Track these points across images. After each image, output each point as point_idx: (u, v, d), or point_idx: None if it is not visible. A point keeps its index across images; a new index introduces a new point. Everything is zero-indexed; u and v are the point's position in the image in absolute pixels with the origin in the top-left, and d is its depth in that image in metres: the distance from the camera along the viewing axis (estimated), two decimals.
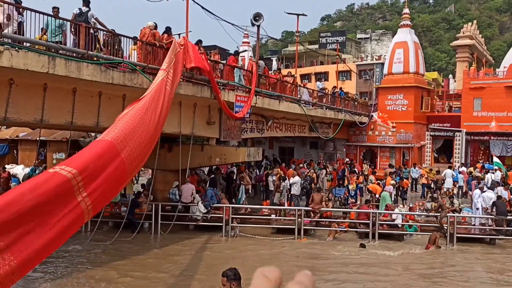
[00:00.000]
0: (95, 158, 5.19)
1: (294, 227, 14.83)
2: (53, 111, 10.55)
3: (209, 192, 15.81)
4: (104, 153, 5.43)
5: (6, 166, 20.09)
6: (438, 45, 73.41)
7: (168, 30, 13.00)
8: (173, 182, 16.01)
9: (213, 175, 19.49)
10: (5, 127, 19.69)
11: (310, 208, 15.52)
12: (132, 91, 11.74)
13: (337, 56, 37.70)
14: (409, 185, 22.05)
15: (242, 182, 18.62)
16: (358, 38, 59.57)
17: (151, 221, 14.91)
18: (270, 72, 22.43)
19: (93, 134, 18.26)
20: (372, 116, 30.17)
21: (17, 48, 8.59)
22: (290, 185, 17.91)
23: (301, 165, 23.24)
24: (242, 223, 15.45)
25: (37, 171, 18.30)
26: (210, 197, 15.50)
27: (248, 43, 38.45)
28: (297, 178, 18.20)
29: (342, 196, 19.63)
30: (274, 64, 47.74)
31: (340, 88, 28.61)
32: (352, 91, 39.09)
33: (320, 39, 50.62)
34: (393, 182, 19.80)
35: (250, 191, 19.22)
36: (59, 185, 4.31)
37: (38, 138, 17.17)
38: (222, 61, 16.48)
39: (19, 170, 19.65)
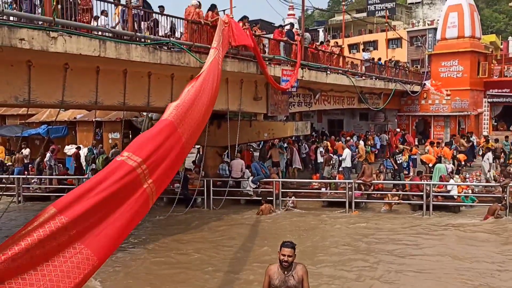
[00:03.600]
0: (159, 144, 5.28)
1: (345, 200, 14.75)
2: (106, 93, 10.93)
3: (253, 165, 15.95)
4: (167, 138, 5.53)
5: (66, 146, 21.16)
6: (495, 6, 68.85)
7: (212, 7, 12.99)
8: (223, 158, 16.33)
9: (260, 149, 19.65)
10: (63, 109, 20.65)
11: (361, 181, 15.35)
12: (179, 70, 11.94)
13: (387, 24, 36.37)
14: (466, 158, 21.09)
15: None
16: (409, 3, 56.94)
17: (203, 196, 15.32)
18: (316, 43, 22.01)
19: (144, 113, 18.84)
20: (424, 84, 29.08)
21: (69, 34, 8.88)
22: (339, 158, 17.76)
23: (348, 138, 22.90)
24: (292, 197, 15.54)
25: (94, 151, 19.17)
26: (255, 170, 15.63)
27: (294, 15, 37.86)
28: (347, 151, 17.99)
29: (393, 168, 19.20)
30: (321, 35, 46.75)
31: (379, 59, 27.46)
32: (403, 59, 37.73)
33: (368, 6, 48.78)
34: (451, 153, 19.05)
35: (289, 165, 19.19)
36: (127, 175, 4.50)
37: (94, 119, 17.93)
38: (268, 35, 16.34)
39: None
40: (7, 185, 16.54)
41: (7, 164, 19.09)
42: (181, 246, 11.36)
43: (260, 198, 15.36)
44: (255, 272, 9.26)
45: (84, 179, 17.08)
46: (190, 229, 12.97)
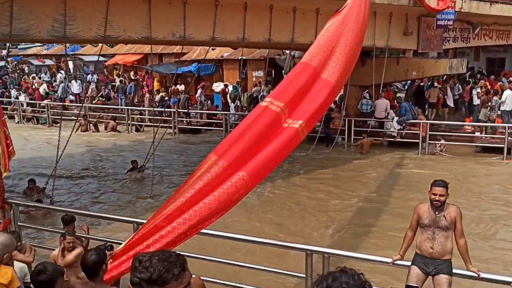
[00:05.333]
0: (299, 87, 5.56)
1: (503, 146, 13.30)
2: (252, 29, 11.12)
3: (404, 105, 15.10)
4: (308, 81, 5.70)
5: (214, 83, 22.46)
6: None
7: None
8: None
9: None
10: (211, 48, 21.74)
11: None
12: (324, 4, 11.55)
13: None
14: None
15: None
16: None
17: (344, 136, 15.16)
18: None
19: (287, 51, 18.90)
20: None
21: None
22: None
23: (511, 78, 20.22)
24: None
25: (238, 89, 20.05)
26: (404, 111, 14.81)
27: None
28: (508, 92, 15.97)
29: None
30: None
31: None
32: None
33: None
34: None
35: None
36: (272, 119, 4.96)
37: (240, 57, 18.57)
38: None
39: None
40: (165, 118, 18.32)
41: (165, 99, 21.02)
42: (318, 183, 11.49)
43: (403, 140, 14.68)
44: (395, 213, 9.00)
45: (230, 115, 18.11)
46: (329, 167, 13.01)
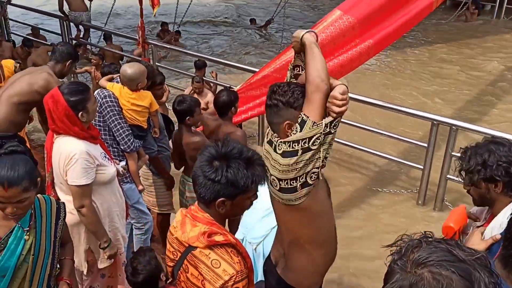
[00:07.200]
0: None
1: None
2: None
3: None
4: None
5: None
6: None
7: None
8: None
9: None
10: None
11: None
12: None
13: None
14: None
15: None
16: None
17: (494, 3, 13.29)
18: None
19: None
20: None
21: None
22: None
23: None
24: None
25: None
26: None
27: None
28: None
29: None
30: None
31: None
32: None
33: None
34: None
35: None
36: None
37: None
38: None
39: None
40: None
41: None
42: (448, 56, 10.36)
43: None
44: None
45: None
46: (469, 37, 11.66)
